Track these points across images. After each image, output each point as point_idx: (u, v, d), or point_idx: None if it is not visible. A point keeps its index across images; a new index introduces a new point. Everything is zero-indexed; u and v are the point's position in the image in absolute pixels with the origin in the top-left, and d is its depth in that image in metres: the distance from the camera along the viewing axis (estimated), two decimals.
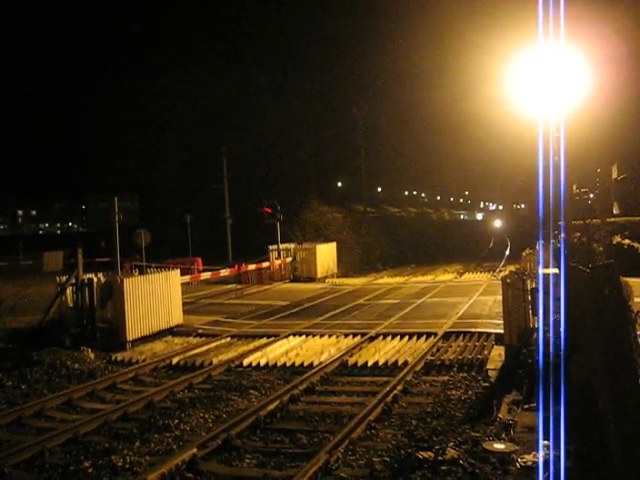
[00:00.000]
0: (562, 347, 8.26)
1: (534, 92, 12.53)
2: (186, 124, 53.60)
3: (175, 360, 13.90)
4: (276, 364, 13.17)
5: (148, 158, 54.55)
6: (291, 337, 15.67)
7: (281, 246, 31.23)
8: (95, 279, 16.20)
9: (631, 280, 10.17)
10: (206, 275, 27.41)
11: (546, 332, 9.80)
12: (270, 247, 30.81)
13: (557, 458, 6.78)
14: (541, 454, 7.16)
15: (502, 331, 12.36)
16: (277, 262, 30.52)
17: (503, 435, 8.24)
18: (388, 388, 10.54)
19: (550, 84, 11.61)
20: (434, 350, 13.54)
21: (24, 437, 9.32)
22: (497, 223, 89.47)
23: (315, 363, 12.83)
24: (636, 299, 9.98)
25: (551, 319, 9.62)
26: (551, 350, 9.17)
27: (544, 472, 6.72)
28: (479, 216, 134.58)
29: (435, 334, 14.75)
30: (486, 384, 10.95)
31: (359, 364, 12.76)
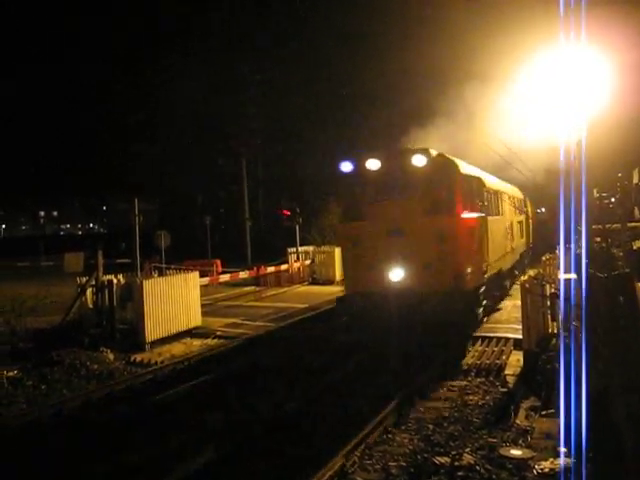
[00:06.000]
0: (583, 354, 8.19)
1: (556, 95, 12.45)
2: (207, 126, 53.80)
3: (193, 362, 13.96)
4: None
5: (169, 160, 54.82)
6: None
7: (300, 249, 31.23)
8: (115, 280, 16.33)
9: None
10: (225, 277, 27.47)
11: (566, 338, 9.71)
12: (289, 249, 30.84)
13: (575, 465, 6.72)
14: (562, 461, 7.09)
15: (521, 336, 12.28)
16: (296, 265, 30.53)
17: (520, 441, 8.19)
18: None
19: (572, 88, 11.53)
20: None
21: None
22: None
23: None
24: None
25: (571, 325, 9.53)
26: (572, 356, 9.09)
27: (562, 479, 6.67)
28: None
29: None
30: (504, 389, 10.89)
31: None
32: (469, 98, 19.80)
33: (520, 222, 24.05)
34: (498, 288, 18.09)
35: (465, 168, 14.66)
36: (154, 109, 51.84)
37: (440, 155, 14.09)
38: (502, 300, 18.83)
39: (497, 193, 17.98)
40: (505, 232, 18.86)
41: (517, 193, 24.53)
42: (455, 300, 13.19)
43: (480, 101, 19.39)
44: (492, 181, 17.82)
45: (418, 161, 13.46)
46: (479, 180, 15.26)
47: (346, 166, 14.32)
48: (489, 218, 15.53)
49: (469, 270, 13.65)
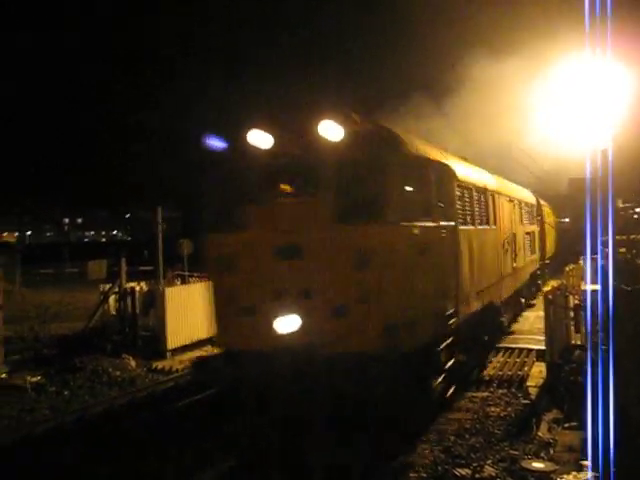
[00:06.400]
0: (610, 366, 8.09)
1: (582, 106, 12.43)
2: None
3: None
4: None
5: (189, 169, 55.29)
6: None
7: None
8: (137, 288, 16.42)
9: None
10: None
11: (592, 350, 9.60)
12: None
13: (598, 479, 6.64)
14: (590, 475, 6.99)
15: (543, 347, 12.16)
16: None
17: (542, 454, 8.11)
18: None
19: (597, 98, 11.49)
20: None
21: None
22: None
23: None
24: None
25: (599, 337, 9.42)
26: (599, 369, 8.98)
27: None
28: None
29: None
30: (526, 401, 10.77)
31: None
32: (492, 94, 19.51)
33: (530, 233, 19.32)
34: (487, 330, 13.11)
35: (417, 147, 9.13)
36: (154, 109, 52.46)
37: (370, 123, 8.73)
38: (493, 349, 14.47)
39: (486, 192, 12.55)
40: (500, 249, 13.78)
41: (527, 197, 19.94)
42: (382, 371, 7.56)
43: (506, 96, 19.01)
44: (475, 175, 12.39)
45: (330, 132, 8.05)
46: (445, 169, 9.73)
47: (215, 143, 9.00)
48: (463, 228, 10.35)
49: (416, 315, 8.21)
